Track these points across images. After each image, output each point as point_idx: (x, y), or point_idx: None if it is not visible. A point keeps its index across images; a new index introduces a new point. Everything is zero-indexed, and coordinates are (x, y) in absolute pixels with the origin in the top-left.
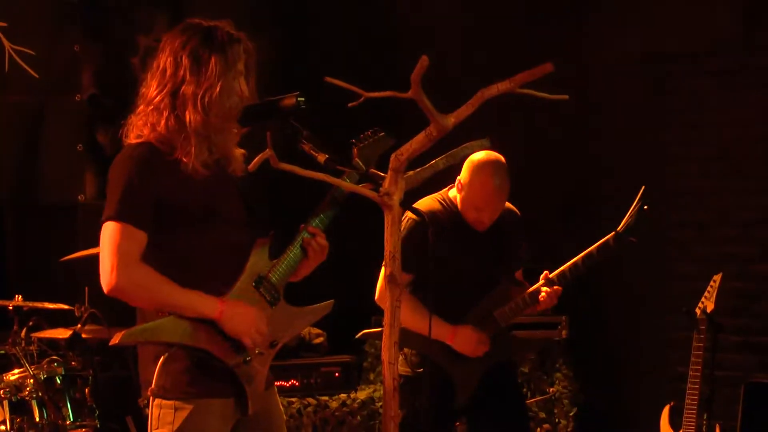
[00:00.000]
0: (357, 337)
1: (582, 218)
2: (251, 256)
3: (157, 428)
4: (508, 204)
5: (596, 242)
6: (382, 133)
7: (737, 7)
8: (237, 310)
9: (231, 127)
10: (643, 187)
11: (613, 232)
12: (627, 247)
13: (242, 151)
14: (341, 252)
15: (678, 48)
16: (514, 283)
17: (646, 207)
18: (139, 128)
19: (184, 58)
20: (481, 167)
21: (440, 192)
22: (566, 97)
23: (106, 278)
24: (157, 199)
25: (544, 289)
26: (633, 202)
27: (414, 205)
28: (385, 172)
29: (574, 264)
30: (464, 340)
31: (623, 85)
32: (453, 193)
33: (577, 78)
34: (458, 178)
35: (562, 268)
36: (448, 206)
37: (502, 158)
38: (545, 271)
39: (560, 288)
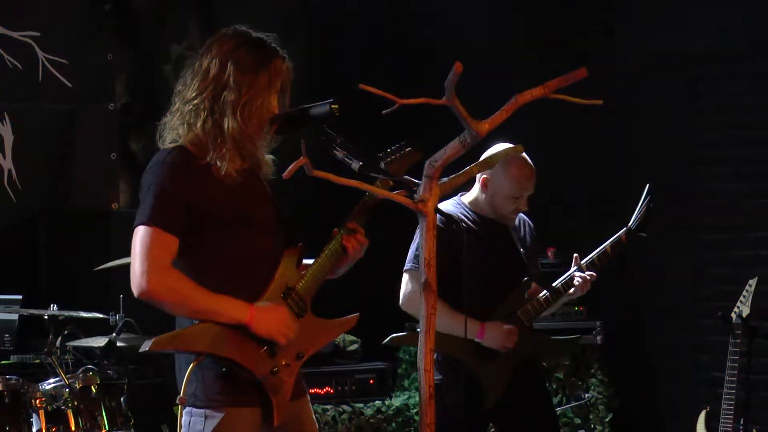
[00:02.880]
0: (385, 342)
1: (613, 222)
2: (280, 266)
3: None
4: (522, 214)
5: (608, 240)
6: (409, 148)
7: None
8: (267, 311)
9: (262, 138)
10: (648, 185)
11: (625, 229)
12: (637, 242)
13: (271, 157)
14: (375, 258)
15: (711, 50)
16: (535, 281)
17: (652, 204)
18: (175, 128)
19: (230, 64)
20: (506, 159)
21: (452, 198)
22: (600, 101)
23: (137, 282)
24: (188, 205)
25: (578, 274)
26: (640, 199)
27: None
28: (419, 179)
29: (591, 262)
30: (493, 334)
31: (655, 87)
32: (468, 198)
33: (609, 80)
34: (481, 178)
35: (579, 264)
36: (465, 210)
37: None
38: (576, 255)
39: (595, 274)
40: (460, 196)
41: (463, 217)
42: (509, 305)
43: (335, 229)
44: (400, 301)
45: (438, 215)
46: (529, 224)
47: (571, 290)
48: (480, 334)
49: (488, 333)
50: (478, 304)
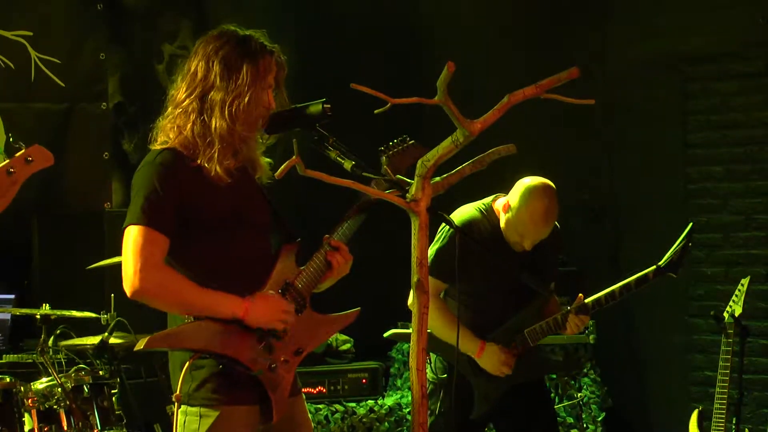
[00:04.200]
0: (386, 336)
1: (605, 220)
2: (278, 263)
3: None
4: None
5: (635, 273)
6: (412, 141)
7: (762, 10)
8: (261, 301)
9: (255, 137)
10: (691, 224)
11: (654, 267)
12: (665, 281)
13: (268, 160)
14: (368, 258)
15: (703, 50)
16: (549, 297)
17: (690, 244)
18: (166, 132)
19: (215, 63)
20: (532, 196)
21: (483, 201)
22: (593, 101)
23: (129, 282)
24: (179, 205)
25: (572, 317)
26: (679, 238)
27: (455, 212)
28: (412, 178)
29: (611, 293)
30: (490, 358)
31: (647, 87)
32: (498, 206)
33: (601, 80)
34: (507, 198)
35: (598, 295)
36: (490, 218)
37: (553, 186)
38: (580, 295)
39: (588, 317)
40: (495, 198)
41: (485, 226)
42: (518, 323)
43: (326, 235)
44: (409, 301)
45: (447, 224)
46: (555, 232)
47: (564, 328)
48: (478, 354)
49: (486, 355)
50: (483, 318)
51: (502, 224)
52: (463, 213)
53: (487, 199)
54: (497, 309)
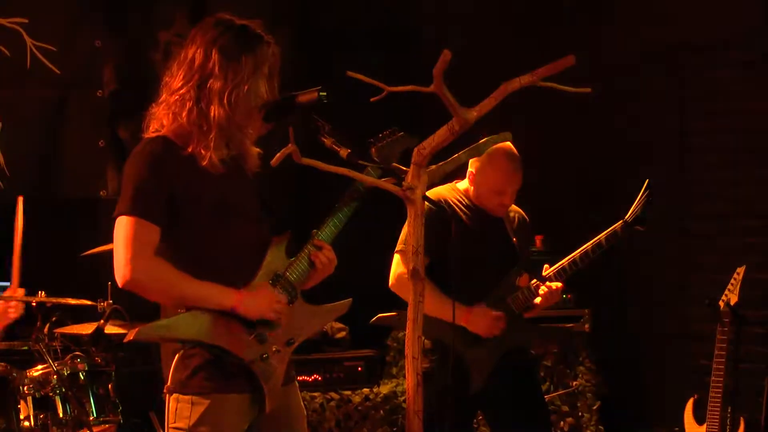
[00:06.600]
0: (372, 321)
1: (602, 210)
2: (268, 254)
3: (175, 422)
4: (518, 208)
5: (604, 231)
6: (401, 133)
7: None
8: (252, 292)
9: (250, 126)
10: (648, 180)
11: (621, 221)
12: (633, 235)
13: (258, 149)
14: (363, 245)
15: (701, 38)
16: (527, 268)
17: (651, 199)
18: (159, 119)
19: (214, 52)
20: (491, 151)
21: (449, 184)
22: (589, 89)
23: (120, 272)
24: (170, 194)
25: (548, 284)
26: (639, 192)
27: (427, 194)
28: (408, 166)
29: (584, 252)
30: (479, 319)
31: (644, 74)
32: (462, 185)
33: (599, 69)
34: (469, 170)
35: (570, 256)
36: (459, 196)
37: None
38: (546, 265)
39: (561, 285)
40: (456, 182)
41: (458, 203)
42: (499, 292)
43: (314, 230)
44: (390, 282)
45: (427, 202)
46: (523, 217)
47: (537, 300)
48: (465, 319)
49: (474, 318)
50: (466, 290)
51: (476, 195)
52: (433, 194)
53: (451, 183)
54: (478, 282)
